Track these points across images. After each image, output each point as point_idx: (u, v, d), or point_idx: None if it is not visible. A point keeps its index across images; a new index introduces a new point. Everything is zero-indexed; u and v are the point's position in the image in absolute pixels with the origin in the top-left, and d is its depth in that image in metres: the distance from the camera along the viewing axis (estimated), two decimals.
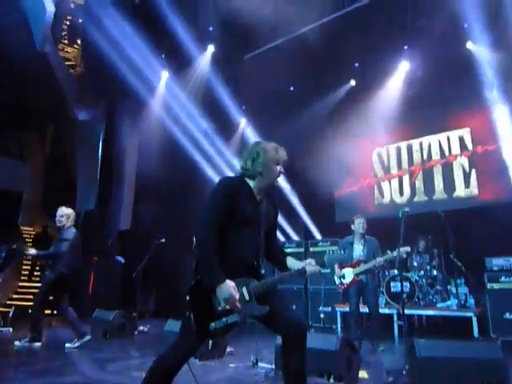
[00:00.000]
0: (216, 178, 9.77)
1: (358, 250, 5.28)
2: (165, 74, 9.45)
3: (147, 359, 4.38)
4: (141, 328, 6.60)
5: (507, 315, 5.61)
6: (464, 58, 7.67)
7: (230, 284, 2.03)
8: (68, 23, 9.40)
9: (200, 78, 9.06)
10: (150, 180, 9.32)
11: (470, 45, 7.73)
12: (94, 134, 9.99)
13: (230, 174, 6.89)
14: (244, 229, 2.22)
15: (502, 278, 5.84)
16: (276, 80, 8.49)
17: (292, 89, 9.48)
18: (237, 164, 2.50)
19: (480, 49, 7.54)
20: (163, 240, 6.68)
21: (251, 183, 2.34)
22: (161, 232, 7.48)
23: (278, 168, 2.35)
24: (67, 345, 4.98)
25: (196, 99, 9.36)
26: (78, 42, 9.40)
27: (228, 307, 2.03)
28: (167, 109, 9.59)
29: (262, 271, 2.34)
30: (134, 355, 4.91)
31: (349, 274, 5.13)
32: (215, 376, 3.78)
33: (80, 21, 8.97)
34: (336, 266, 5.24)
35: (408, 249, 4.93)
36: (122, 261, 8.63)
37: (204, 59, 8.87)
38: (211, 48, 8.81)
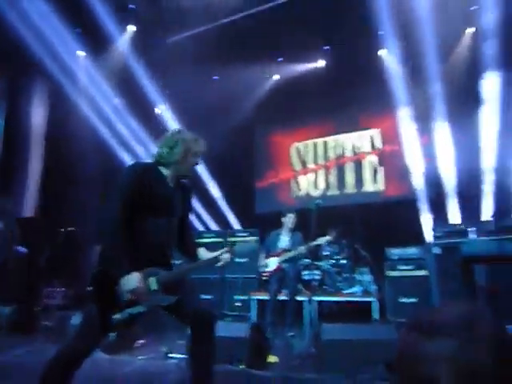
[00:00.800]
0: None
1: (284, 240, 5.54)
2: (81, 53, 8.76)
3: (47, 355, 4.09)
4: (45, 323, 6.13)
5: (402, 299, 6.23)
6: (376, 63, 8.25)
7: (135, 275, 1.97)
8: None
9: (119, 58, 8.55)
10: (59, 164, 8.64)
11: (382, 52, 8.31)
12: None
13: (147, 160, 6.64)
14: (155, 216, 2.15)
15: (400, 266, 6.44)
16: (200, 67, 8.37)
17: (216, 78, 9.42)
18: (154, 150, 2.43)
19: (391, 57, 8.13)
20: (72, 228, 6.25)
21: (165, 171, 2.28)
22: (70, 220, 7.00)
23: (195, 159, 2.33)
24: None
25: (113, 81, 8.83)
26: None
27: (133, 298, 1.96)
28: (82, 90, 8.92)
29: (173, 260, 2.30)
30: (33, 351, 4.54)
31: (273, 262, 5.39)
32: (124, 370, 3.66)
33: None
34: (261, 256, 5.47)
35: (329, 238, 5.28)
36: (24, 251, 7.90)
37: (123, 39, 8.37)
38: (131, 28, 8.35)
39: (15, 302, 5.73)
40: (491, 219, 5.82)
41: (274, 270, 5.36)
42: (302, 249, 5.30)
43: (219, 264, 2.39)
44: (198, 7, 7.50)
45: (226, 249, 2.42)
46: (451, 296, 5.69)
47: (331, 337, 3.57)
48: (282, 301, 5.52)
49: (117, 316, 1.95)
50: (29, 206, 8.93)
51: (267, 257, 5.47)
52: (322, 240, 5.56)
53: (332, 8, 7.29)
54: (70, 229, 6.17)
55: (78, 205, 8.18)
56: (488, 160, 7.20)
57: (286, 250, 5.42)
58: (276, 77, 9.55)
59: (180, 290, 2.15)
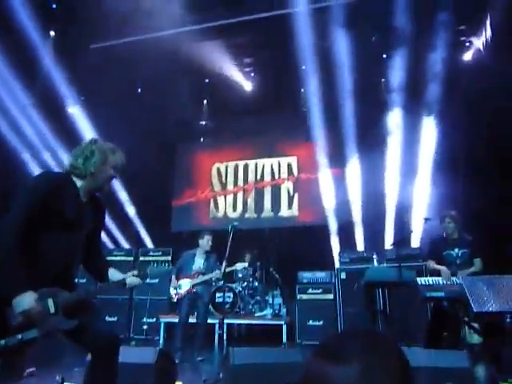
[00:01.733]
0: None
1: (199, 262, 5.42)
2: None
3: None
4: None
5: (310, 322, 6.45)
6: (297, 95, 8.72)
7: (30, 295, 1.75)
8: None
9: (34, 58, 7.89)
10: None
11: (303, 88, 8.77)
12: None
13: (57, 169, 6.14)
14: (61, 232, 1.96)
15: (310, 290, 6.69)
16: (123, 78, 8.09)
17: (139, 91, 9.16)
18: (65, 159, 2.24)
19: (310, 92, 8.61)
20: None
21: (78, 183, 2.10)
22: None
23: (112, 172, 2.18)
24: None
25: (26, 80, 8.11)
26: None
27: (25, 321, 1.74)
28: None
29: (76, 280, 2.12)
30: None
31: (185, 284, 5.23)
32: None
33: None
34: (173, 277, 5.31)
35: (246, 264, 5.34)
36: None
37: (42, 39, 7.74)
38: (51, 31, 7.83)
39: None
40: (392, 248, 6.35)
41: (187, 291, 5.20)
42: (218, 273, 5.22)
43: (126, 287, 2.25)
44: (127, 16, 7.30)
45: (134, 271, 2.29)
46: (354, 319, 6.06)
47: (241, 361, 3.53)
48: (192, 324, 5.37)
49: (1, 342, 1.69)
50: None
51: (180, 278, 5.30)
52: (238, 266, 5.63)
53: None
54: None
55: None
56: (391, 193, 7.92)
57: (200, 273, 5.31)
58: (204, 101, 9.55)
59: (82, 313, 1.97)
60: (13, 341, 1.73)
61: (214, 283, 5.97)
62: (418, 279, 4.11)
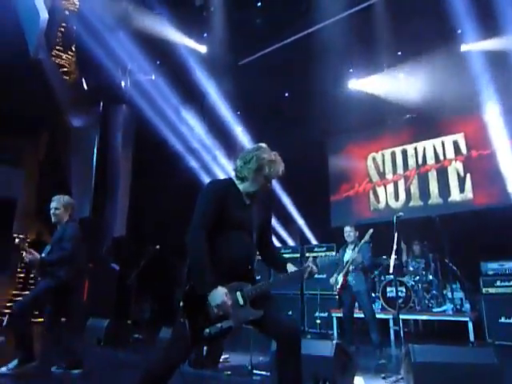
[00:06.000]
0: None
1: (349, 254, 5.30)
2: (153, 77, 9.46)
3: (140, 368, 4.34)
4: (135, 336, 6.53)
5: (502, 319, 5.61)
6: (457, 60, 7.70)
7: (221, 290, 2.00)
8: (62, 30, 9.40)
9: (193, 82, 9.05)
10: (145, 187, 9.29)
11: (463, 47, 7.73)
12: (88, 140, 9.95)
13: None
14: (235, 232, 2.18)
15: (498, 283, 5.84)
16: (271, 85, 8.56)
17: (286, 95, 9.55)
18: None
19: (473, 50, 7.51)
20: (158, 247, 6.63)
21: (240, 186, 2.29)
22: (156, 239, 7.43)
23: (264, 181, 2.26)
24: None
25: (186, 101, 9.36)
26: (73, 48, 9.41)
27: (220, 313, 1.99)
28: (161, 115, 9.59)
29: (256, 275, 2.32)
30: (128, 363, 4.84)
31: (340, 278, 5.16)
32: None
33: (74, 27, 9.00)
34: (335, 273, 5.28)
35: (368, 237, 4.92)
36: (117, 268, 8.57)
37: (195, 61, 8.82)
38: (203, 49, 8.83)
39: (108, 316, 6.17)
40: None
41: (342, 285, 5.12)
42: (356, 256, 4.96)
43: (305, 277, 2.35)
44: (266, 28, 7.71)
45: (310, 260, 2.38)
46: None
47: (423, 359, 3.32)
48: (362, 319, 5.26)
49: (207, 330, 2.00)
50: (119, 225, 9.67)
51: (339, 273, 5.27)
52: (367, 235, 5.09)
53: None
54: (156, 247, 6.54)
55: (165, 224, 8.69)
56: None
57: (348, 262, 5.16)
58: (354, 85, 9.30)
59: (265, 305, 2.14)
60: (215, 329, 2.01)
61: (369, 272, 5.59)
62: None
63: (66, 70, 9.64)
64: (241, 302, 2.09)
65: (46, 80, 8.63)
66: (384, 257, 6.63)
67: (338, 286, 5.14)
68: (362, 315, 5.21)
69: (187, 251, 2.11)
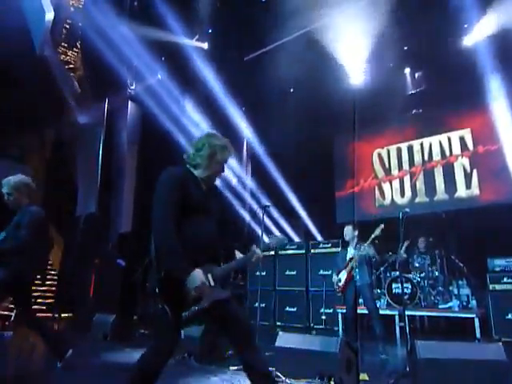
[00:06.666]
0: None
1: (351, 252, 5.32)
2: (159, 76, 9.49)
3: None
4: (141, 331, 6.58)
5: (509, 316, 5.57)
6: (462, 55, 7.61)
7: (199, 272, 2.04)
8: (67, 26, 9.41)
9: (197, 78, 9.04)
10: (151, 183, 9.30)
11: (467, 40, 7.63)
12: (94, 137, 9.99)
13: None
14: (197, 217, 2.21)
15: (505, 279, 5.80)
16: (275, 81, 8.52)
17: (292, 90, 9.51)
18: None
19: (478, 43, 7.38)
20: None
21: (195, 172, 2.32)
22: None
23: (218, 167, 2.33)
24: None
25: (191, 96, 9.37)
26: (78, 45, 9.42)
27: (197, 294, 2.04)
28: (167, 112, 9.61)
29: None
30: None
31: (343, 275, 5.18)
32: (213, 379, 3.76)
33: (80, 24, 9.00)
34: (334, 273, 5.32)
35: (382, 225, 4.96)
36: (123, 264, 8.62)
37: (199, 58, 8.81)
38: (205, 46, 8.81)
39: (115, 312, 6.21)
40: None
41: (345, 279, 5.13)
42: (367, 249, 4.99)
43: (253, 259, 2.37)
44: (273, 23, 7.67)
45: (254, 247, 2.40)
46: None
47: (429, 355, 3.30)
48: (367, 315, 5.28)
49: (185, 313, 2.06)
50: (125, 221, 9.72)
51: (338, 272, 5.29)
52: (378, 229, 5.12)
53: None
54: None
55: None
56: None
57: (351, 259, 5.19)
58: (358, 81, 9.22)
59: (228, 285, 2.26)
60: (191, 312, 2.07)
61: (372, 265, 5.59)
62: None
63: (71, 66, 9.68)
64: (212, 283, 2.13)
65: (51, 77, 8.66)
66: (389, 253, 6.62)
67: (341, 284, 5.17)
68: (366, 311, 5.23)
69: (155, 241, 2.12)
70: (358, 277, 5.08)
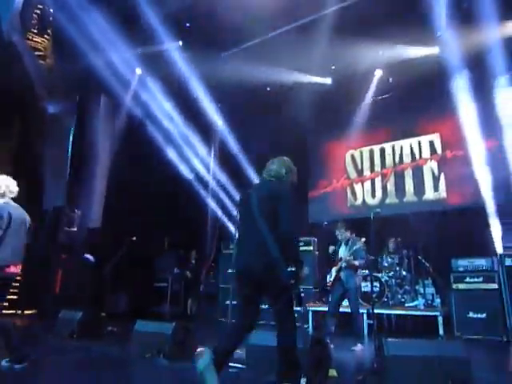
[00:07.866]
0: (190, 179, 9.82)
1: (342, 250, 5.48)
2: (138, 71, 9.32)
3: (115, 360, 4.30)
4: (109, 328, 6.43)
5: (471, 314, 5.82)
6: (434, 63, 7.84)
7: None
8: (38, 12, 9.02)
9: (173, 73, 8.91)
10: (123, 178, 9.11)
11: (438, 49, 7.87)
12: (63, 128, 9.67)
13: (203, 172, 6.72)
14: None
15: (467, 279, 6.05)
16: (251, 78, 8.52)
17: (268, 89, 9.52)
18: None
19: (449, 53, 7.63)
20: (134, 238, 6.55)
21: None
22: (133, 231, 7.32)
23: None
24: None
25: (170, 95, 9.25)
26: (49, 32, 9.06)
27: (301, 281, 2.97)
28: (142, 105, 9.45)
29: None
30: (99, 356, 4.76)
31: (333, 271, 5.39)
32: (183, 376, 3.73)
33: (51, 10, 8.66)
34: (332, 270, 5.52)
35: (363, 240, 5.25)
36: (92, 259, 8.41)
37: (176, 54, 8.68)
38: (181, 43, 8.68)
39: (84, 308, 6.05)
40: None
41: (334, 278, 5.34)
42: (346, 255, 5.29)
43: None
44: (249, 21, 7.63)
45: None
46: None
47: (395, 352, 3.41)
48: (347, 313, 5.45)
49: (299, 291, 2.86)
50: (95, 217, 9.47)
51: (332, 266, 5.51)
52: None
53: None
54: (132, 238, 6.46)
55: (140, 216, 8.56)
56: None
57: (342, 259, 5.38)
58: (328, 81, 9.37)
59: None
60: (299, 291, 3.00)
61: (359, 269, 5.80)
62: None
63: (41, 54, 9.30)
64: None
65: (19, 64, 8.31)
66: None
67: (331, 279, 5.37)
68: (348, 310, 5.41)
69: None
70: (345, 278, 5.28)
